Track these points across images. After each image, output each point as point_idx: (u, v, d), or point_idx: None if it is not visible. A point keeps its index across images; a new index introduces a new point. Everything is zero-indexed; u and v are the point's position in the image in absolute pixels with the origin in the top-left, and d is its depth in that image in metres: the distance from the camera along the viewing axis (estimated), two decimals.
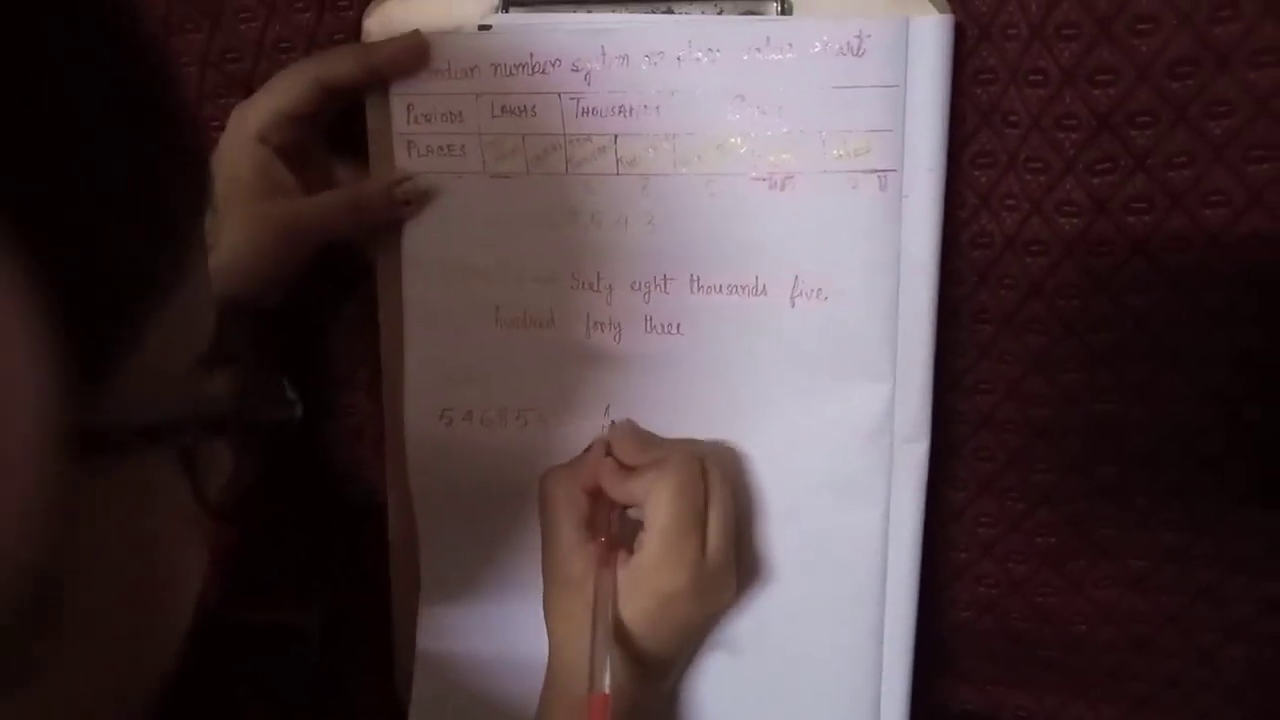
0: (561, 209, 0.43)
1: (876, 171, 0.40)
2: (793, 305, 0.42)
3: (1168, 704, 0.48)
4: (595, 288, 0.44)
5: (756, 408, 0.44)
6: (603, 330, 0.45)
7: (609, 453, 0.44)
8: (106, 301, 0.19)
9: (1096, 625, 0.47)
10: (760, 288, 0.43)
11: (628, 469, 0.43)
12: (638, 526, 0.42)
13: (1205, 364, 0.41)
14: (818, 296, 0.42)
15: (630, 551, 0.42)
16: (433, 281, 0.45)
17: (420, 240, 0.45)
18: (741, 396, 0.44)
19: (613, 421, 0.45)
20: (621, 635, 0.41)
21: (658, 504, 0.41)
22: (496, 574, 0.48)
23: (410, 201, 0.44)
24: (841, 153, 0.40)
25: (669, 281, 0.43)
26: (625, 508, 0.43)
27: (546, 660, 0.43)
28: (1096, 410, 0.43)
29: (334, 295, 0.49)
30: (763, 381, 0.44)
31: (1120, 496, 0.44)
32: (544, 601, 0.43)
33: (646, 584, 0.40)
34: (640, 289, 0.44)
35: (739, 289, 0.43)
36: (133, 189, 0.20)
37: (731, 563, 0.42)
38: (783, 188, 0.41)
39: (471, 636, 0.48)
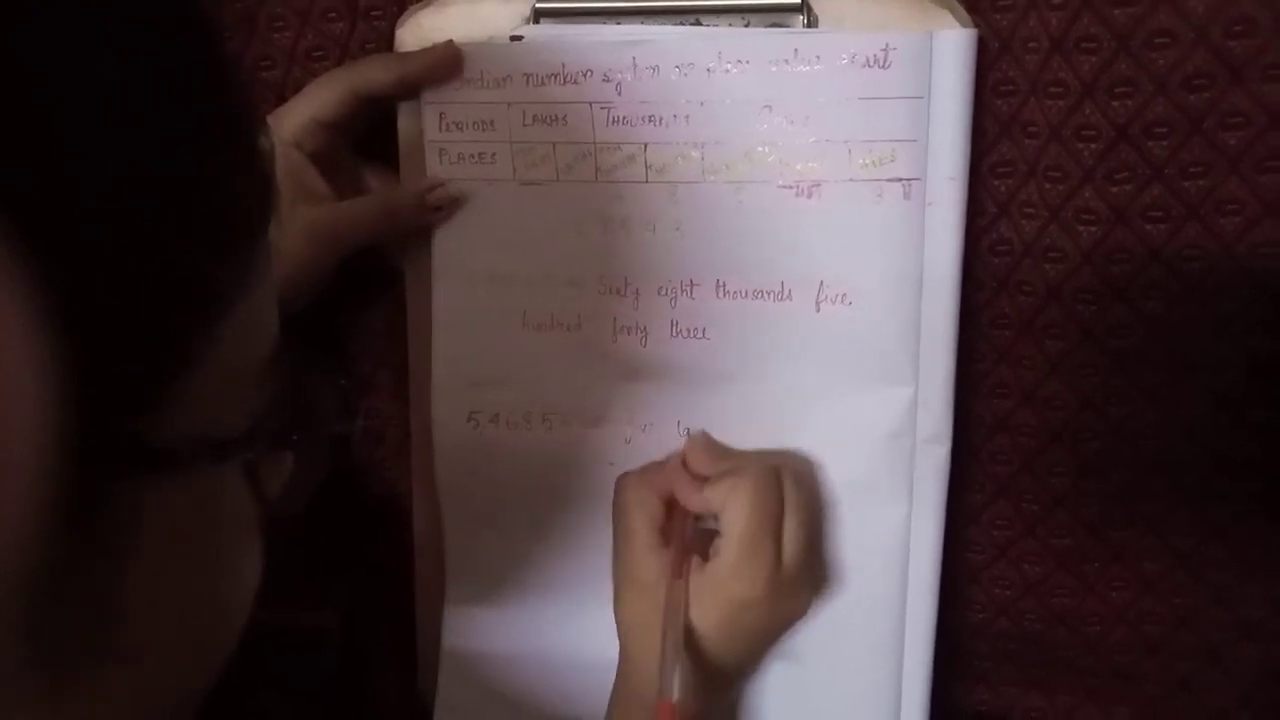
0: (590, 215, 0.44)
1: (901, 180, 0.41)
2: (818, 310, 0.43)
3: (1180, 705, 0.49)
4: (622, 293, 0.45)
5: (781, 411, 0.45)
6: (629, 334, 0.45)
7: (684, 463, 0.44)
8: (167, 316, 0.19)
9: (1110, 627, 0.48)
10: (786, 293, 0.43)
11: (702, 479, 0.43)
12: (710, 536, 0.42)
13: (1219, 369, 0.42)
14: (842, 302, 0.43)
15: (705, 559, 0.42)
16: (461, 286, 0.46)
17: (450, 246, 0.45)
18: (766, 400, 0.45)
19: (688, 431, 0.46)
20: (693, 643, 0.41)
21: (734, 512, 0.41)
22: (522, 574, 0.48)
23: (441, 208, 0.44)
24: (867, 162, 0.41)
25: (695, 287, 0.44)
26: (699, 516, 0.43)
27: (616, 661, 0.43)
28: (1112, 415, 0.44)
29: (358, 299, 0.50)
30: (787, 385, 0.44)
31: (1135, 500, 0.45)
32: (615, 604, 0.43)
33: (721, 592, 0.41)
34: (667, 294, 0.45)
35: (765, 294, 0.44)
36: (197, 200, 0.20)
37: (806, 572, 0.43)
38: (809, 195, 0.42)
39: (497, 636, 0.49)
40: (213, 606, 0.24)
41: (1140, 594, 0.47)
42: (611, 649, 0.48)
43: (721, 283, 0.44)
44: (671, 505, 0.43)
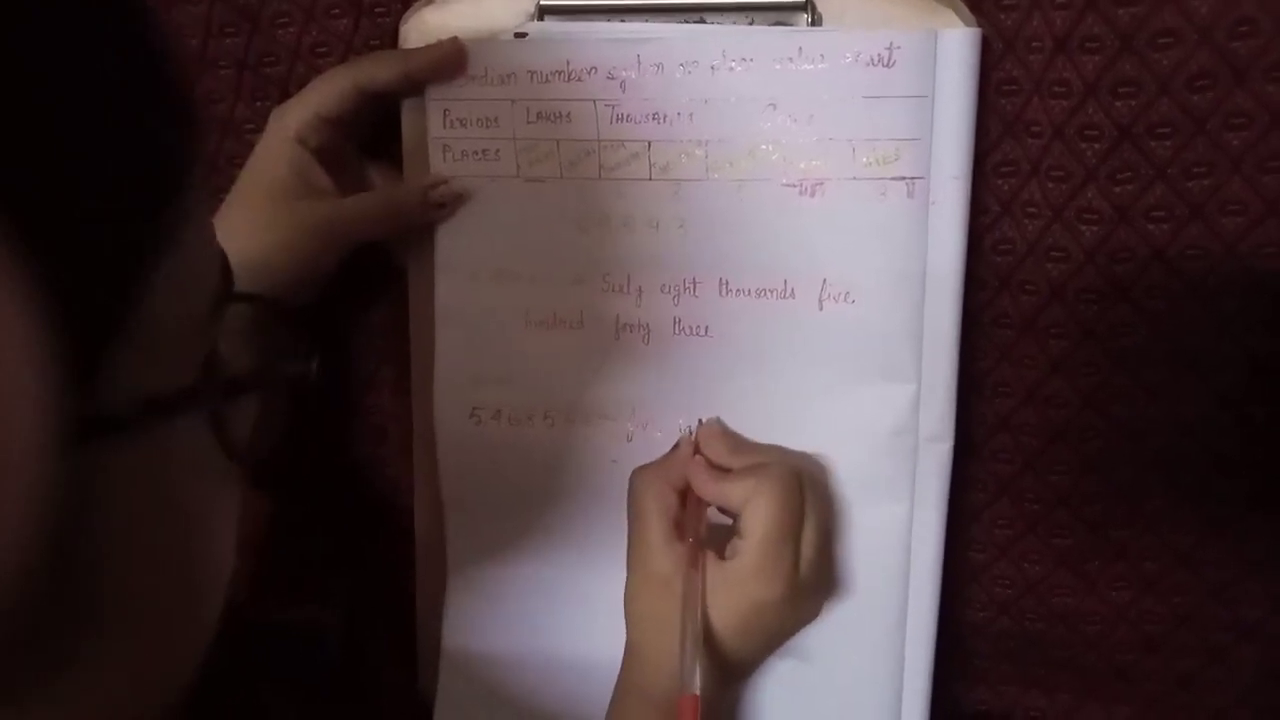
0: (593, 213, 0.44)
1: (904, 179, 0.41)
2: (820, 308, 0.43)
3: (1180, 704, 0.49)
4: (625, 290, 0.45)
5: (783, 408, 0.45)
6: (632, 332, 0.45)
7: (697, 451, 0.44)
8: (96, 271, 0.18)
9: (1111, 626, 0.48)
10: (789, 291, 0.44)
11: (719, 470, 0.43)
12: (721, 530, 0.42)
13: (1221, 369, 0.42)
14: (845, 300, 0.43)
15: (718, 554, 0.42)
16: (464, 283, 0.46)
17: (453, 242, 0.45)
18: (769, 398, 0.45)
19: (700, 420, 0.45)
20: (710, 639, 0.41)
21: (757, 512, 0.41)
22: (523, 572, 0.48)
23: (444, 204, 0.44)
24: (870, 160, 0.41)
25: (698, 285, 0.44)
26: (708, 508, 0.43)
27: (618, 660, 0.43)
28: (1114, 414, 0.44)
29: (361, 296, 0.50)
30: (790, 383, 0.45)
31: (1136, 499, 0.45)
32: (626, 597, 0.43)
33: (740, 591, 0.41)
34: (670, 292, 0.45)
35: (768, 292, 0.44)
36: (113, 150, 0.19)
37: (821, 581, 0.43)
38: (813, 194, 0.42)
39: (497, 634, 0.49)
40: (188, 568, 0.23)
41: (1141, 593, 0.47)
42: (613, 647, 0.48)
43: (724, 280, 0.44)
44: (684, 495, 0.43)
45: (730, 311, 0.44)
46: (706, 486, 0.42)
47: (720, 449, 0.44)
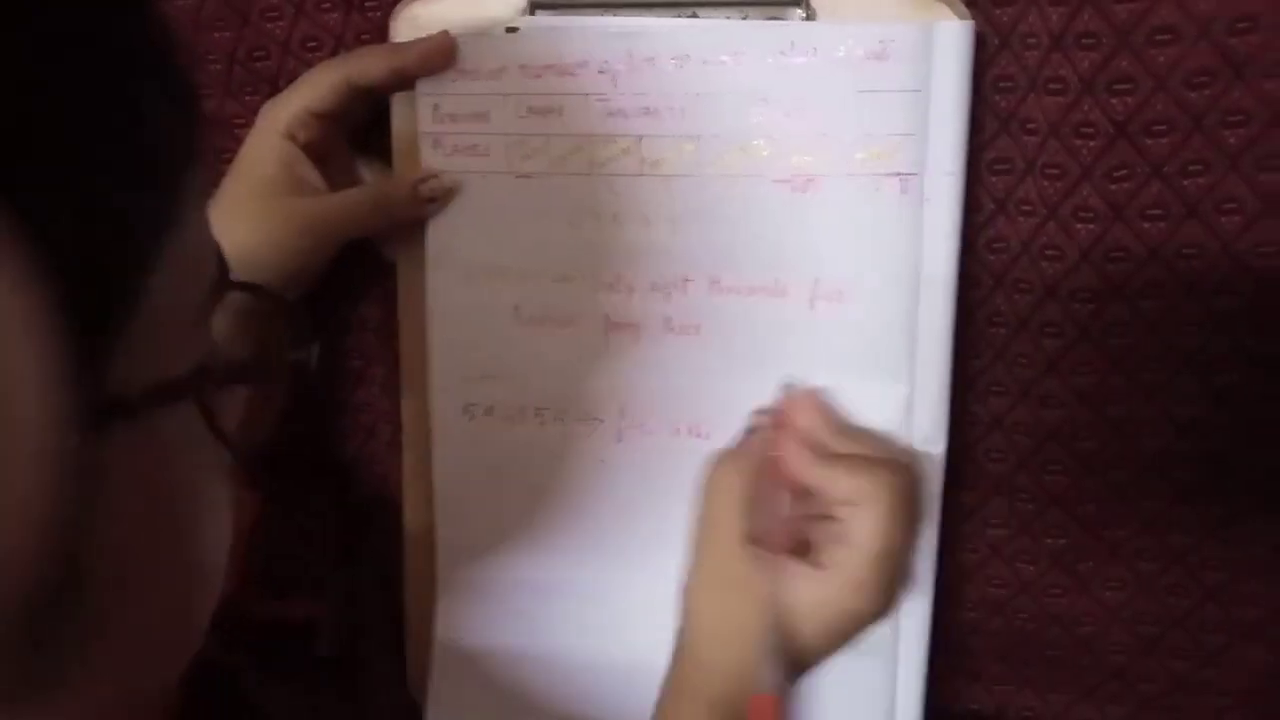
0: (584, 209, 0.44)
1: (898, 175, 0.41)
2: (812, 307, 0.43)
3: (1175, 705, 0.49)
4: (616, 288, 0.45)
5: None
6: (621, 330, 0.45)
7: (783, 424, 0.40)
8: (98, 258, 0.18)
9: (1105, 626, 0.48)
10: (780, 289, 0.43)
11: (817, 451, 0.39)
12: (802, 521, 0.39)
13: (1216, 368, 0.42)
14: (838, 298, 0.43)
15: (800, 551, 0.39)
16: (455, 279, 0.45)
17: (443, 238, 0.45)
18: (760, 397, 0.44)
19: (787, 385, 0.42)
20: (795, 644, 0.38)
21: (867, 523, 0.37)
22: (513, 569, 0.48)
23: (435, 199, 0.44)
24: (864, 156, 0.41)
25: (689, 282, 0.44)
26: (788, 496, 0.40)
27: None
28: (1109, 413, 0.44)
29: (348, 293, 0.50)
30: (781, 382, 0.44)
31: (1130, 498, 0.45)
32: (688, 596, 0.40)
33: (836, 601, 0.38)
34: (661, 289, 0.44)
35: (759, 290, 0.43)
36: (111, 137, 0.19)
37: (908, 588, 0.40)
38: (805, 190, 0.42)
39: (489, 630, 0.48)
40: (187, 553, 0.23)
41: (1135, 593, 0.47)
42: (603, 643, 0.48)
43: (716, 278, 0.44)
44: (758, 482, 0.39)
45: (721, 310, 0.44)
46: (806, 468, 0.39)
47: (820, 424, 0.40)
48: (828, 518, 0.39)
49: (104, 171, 0.18)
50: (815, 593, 0.38)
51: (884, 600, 0.38)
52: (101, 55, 0.19)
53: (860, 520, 0.37)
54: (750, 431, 0.43)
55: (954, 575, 0.49)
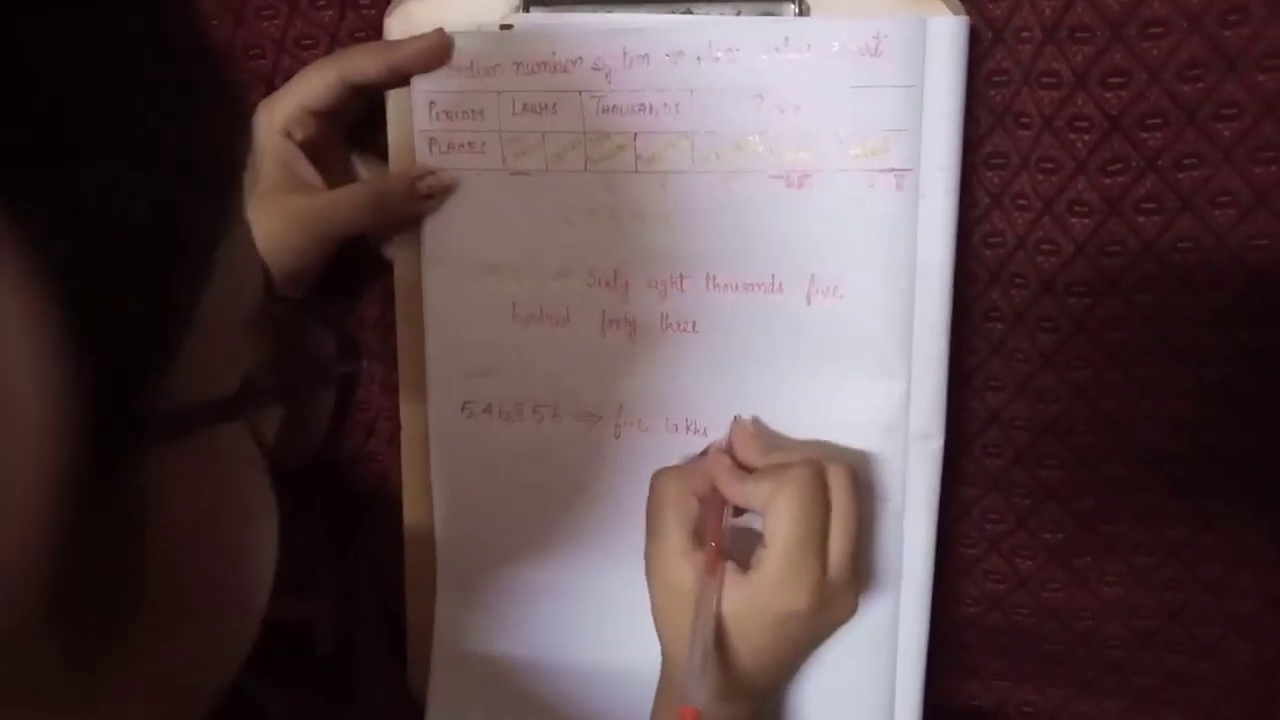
0: (580, 206, 0.44)
1: (893, 171, 0.41)
2: (809, 303, 0.43)
3: (1172, 698, 0.49)
4: (612, 285, 0.45)
5: (772, 405, 0.44)
6: (618, 327, 0.45)
7: (728, 451, 0.43)
8: (159, 265, 0.18)
9: (1102, 620, 0.48)
10: (776, 285, 0.43)
11: (744, 470, 0.41)
12: (748, 535, 0.41)
13: (1212, 362, 0.42)
14: (834, 294, 0.43)
15: (738, 562, 0.40)
16: (451, 276, 0.45)
17: (440, 236, 0.45)
18: (757, 394, 0.44)
19: (736, 418, 0.44)
20: (730, 652, 0.39)
21: (778, 518, 0.39)
22: (512, 569, 0.48)
23: (432, 196, 0.44)
24: (859, 152, 0.41)
25: (685, 279, 0.44)
26: (737, 514, 0.42)
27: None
28: (1105, 407, 0.44)
29: (347, 292, 0.50)
30: (778, 379, 0.44)
31: (1127, 493, 0.45)
32: (652, 609, 0.42)
33: (764, 604, 0.39)
34: (657, 286, 0.44)
35: (755, 287, 0.43)
36: (174, 136, 0.18)
37: (853, 578, 0.41)
38: (800, 186, 0.42)
39: (488, 632, 0.48)
40: (234, 570, 0.23)
41: (1132, 587, 0.47)
42: (602, 644, 0.48)
43: (711, 275, 0.44)
44: (707, 499, 0.41)
45: (717, 306, 0.44)
46: (730, 486, 0.41)
47: (751, 449, 0.42)
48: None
49: (161, 175, 0.18)
50: (743, 595, 0.39)
51: (811, 596, 0.39)
52: (158, 56, 0.18)
53: (770, 518, 0.39)
54: (703, 454, 0.44)
55: (952, 570, 0.49)
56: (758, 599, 0.39)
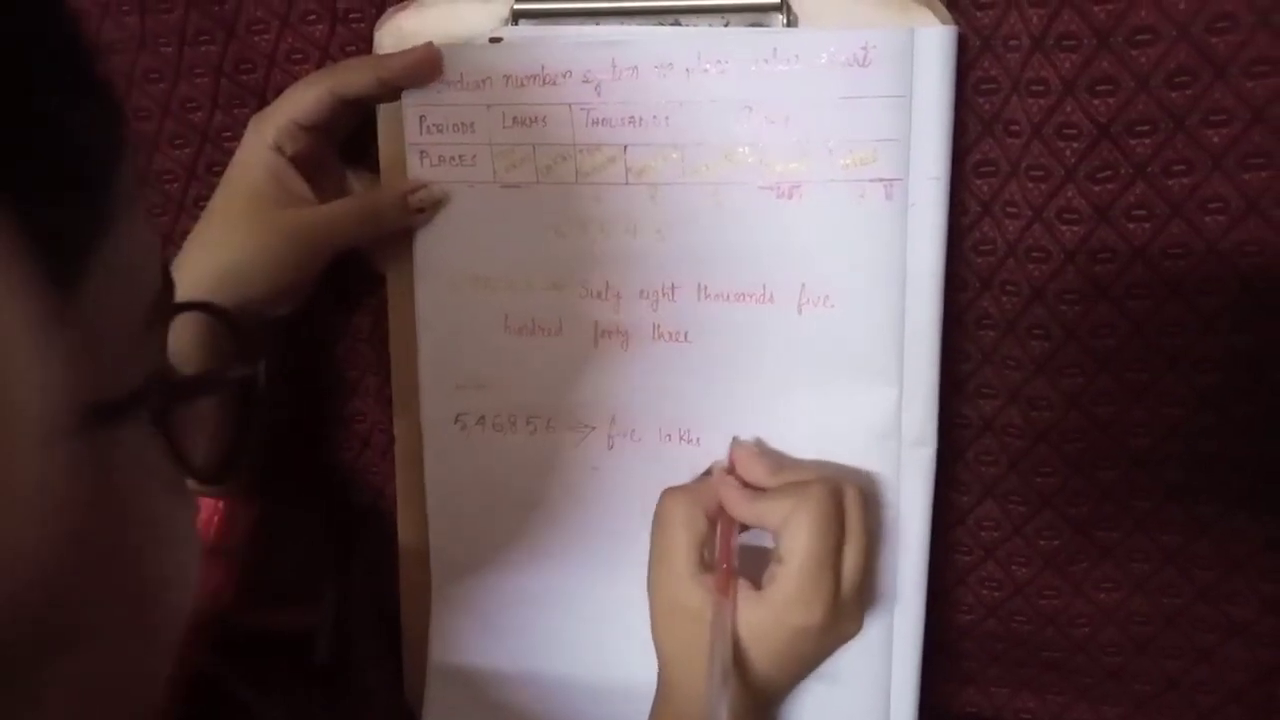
0: (571, 218, 0.44)
1: (883, 180, 0.41)
2: (800, 312, 0.43)
3: (1169, 704, 0.49)
4: (603, 296, 0.45)
5: (764, 414, 0.45)
6: (610, 338, 0.45)
7: (731, 472, 0.43)
8: (39, 261, 0.17)
9: (1099, 627, 0.48)
10: (768, 295, 0.43)
11: (753, 490, 0.42)
12: (752, 552, 0.41)
13: (1204, 367, 0.42)
14: (825, 304, 0.43)
15: (747, 578, 0.40)
16: (444, 289, 0.45)
17: (431, 249, 0.45)
18: (749, 403, 0.45)
19: (735, 438, 0.44)
20: (744, 669, 0.40)
21: (795, 536, 0.39)
22: (507, 580, 0.48)
23: (424, 210, 0.44)
24: (848, 162, 0.41)
25: (676, 290, 0.44)
26: (743, 531, 0.42)
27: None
28: (1097, 414, 0.44)
29: (342, 305, 0.50)
30: (770, 388, 0.44)
31: (1121, 499, 0.45)
32: (654, 631, 0.42)
33: (778, 620, 0.39)
34: (648, 297, 0.44)
35: (746, 297, 0.43)
36: (32, 138, 0.18)
37: (863, 595, 0.41)
38: (790, 196, 0.42)
39: (484, 644, 0.48)
40: (142, 577, 0.22)
41: (1129, 594, 0.47)
42: (597, 654, 0.48)
43: (703, 285, 0.44)
44: (715, 519, 0.42)
45: (709, 316, 0.44)
46: (741, 507, 0.41)
47: (757, 469, 0.42)
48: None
49: (24, 175, 0.17)
50: (758, 613, 0.39)
51: (825, 613, 0.39)
52: (15, 54, 0.18)
53: (787, 537, 0.39)
54: (706, 473, 0.45)
55: (948, 578, 0.49)
56: (773, 614, 0.39)
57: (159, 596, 0.23)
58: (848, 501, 0.41)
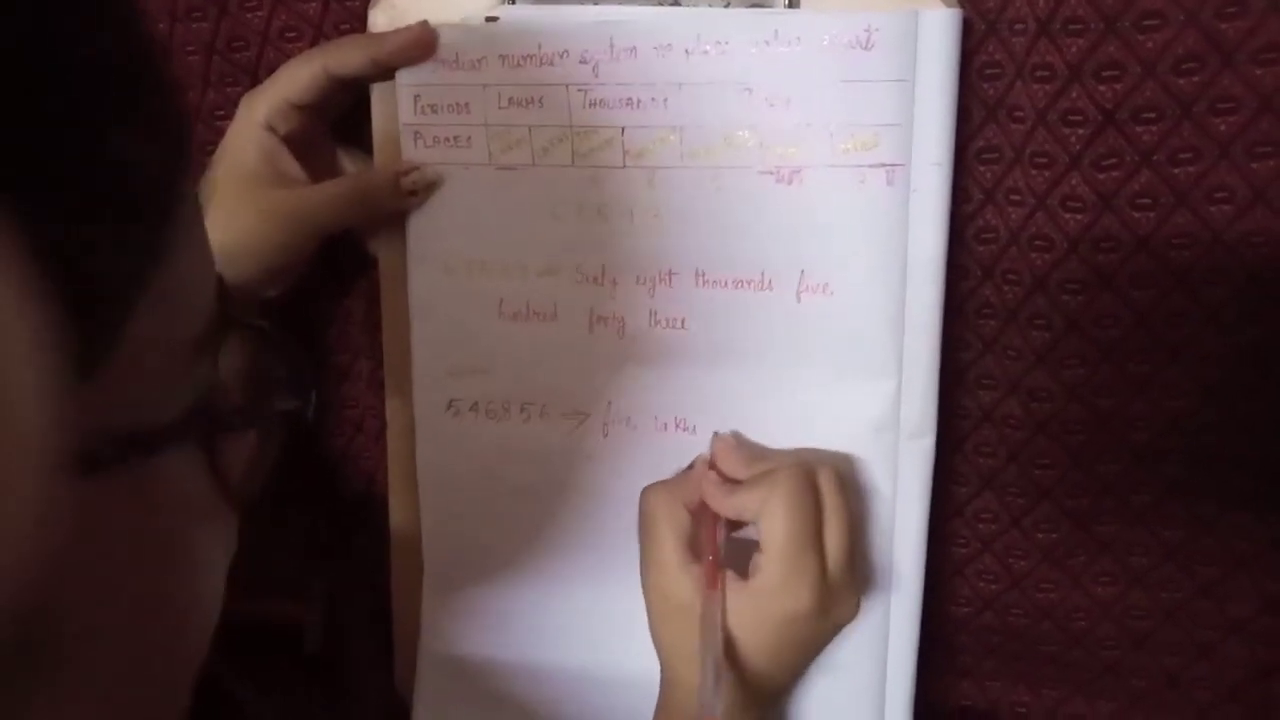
0: (567, 201, 0.43)
1: (884, 166, 0.40)
2: (799, 300, 0.42)
3: (1167, 700, 0.48)
4: (600, 281, 0.44)
5: (761, 403, 0.44)
6: (606, 324, 0.44)
7: (712, 466, 0.43)
8: (84, 292, 0.17)
9: (1096, 621, 0.47)
10: (766, 282, 0.43)
11: (733, 483, 0.41)
12: (743, 546, 0.41)
13: (1207, 360, 0.41)
14: (824, 291, 0.42)
15: (738, 572, 0.40)
16: (437, 273, 0.45)
17: (425, 232, 0.45)
18: (746, 392, 0.44)
19: (715, 433, 0.44)
20: (739, 661, 0.39)
21: (772, 521, 0.39)
22: (499, 569, 0.48)
23: (417, 191, 0.44)
24: (849, 147, 0.40)
25: (674, 275, 0.43)
26: (732, 527, 0.41)
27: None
28: (1099, 406, 0.43)
29: (335, 288, 0.49)
30: (767, 376, 0.44)
31: (1121, 493, 0.45)
32: (651, 625, 0.42)
33: (766, 608, 0.39)
34: (645, 283, 0.44)
35: (745, 283, 0.43)
36: (80, 166, 0.17)
37: (851, 575, 0.40)
38: (790, 181, 0.41)
39: (475, 634, 0.48)
40: (174, 604, 0.22)
41: (1127, 588, 0.47)
42: (591, 646, 0.47)
43: (700, 271, 0.43)
44: (699, 513, 0.41)
45: (707, 303, 0.43)
46: (720, 500, 0.41)
47: (735, 462, 0.42)
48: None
49: (67, 202, 0.17)
50: (746, 602, 0.39)
51: (813, 596, 0.39)
52: (69, 74, 0.17)
53: (765, 523, 0.39)
54: (689, 467, 0.44)
55: (945, 570, 0.48)
56: (761, 604, 0.39)
57: (184, 622, 0.23)
58: (822, 482, 0.40)
